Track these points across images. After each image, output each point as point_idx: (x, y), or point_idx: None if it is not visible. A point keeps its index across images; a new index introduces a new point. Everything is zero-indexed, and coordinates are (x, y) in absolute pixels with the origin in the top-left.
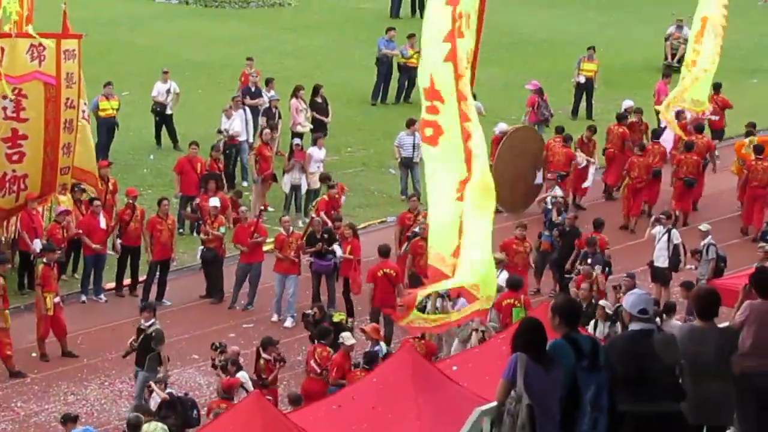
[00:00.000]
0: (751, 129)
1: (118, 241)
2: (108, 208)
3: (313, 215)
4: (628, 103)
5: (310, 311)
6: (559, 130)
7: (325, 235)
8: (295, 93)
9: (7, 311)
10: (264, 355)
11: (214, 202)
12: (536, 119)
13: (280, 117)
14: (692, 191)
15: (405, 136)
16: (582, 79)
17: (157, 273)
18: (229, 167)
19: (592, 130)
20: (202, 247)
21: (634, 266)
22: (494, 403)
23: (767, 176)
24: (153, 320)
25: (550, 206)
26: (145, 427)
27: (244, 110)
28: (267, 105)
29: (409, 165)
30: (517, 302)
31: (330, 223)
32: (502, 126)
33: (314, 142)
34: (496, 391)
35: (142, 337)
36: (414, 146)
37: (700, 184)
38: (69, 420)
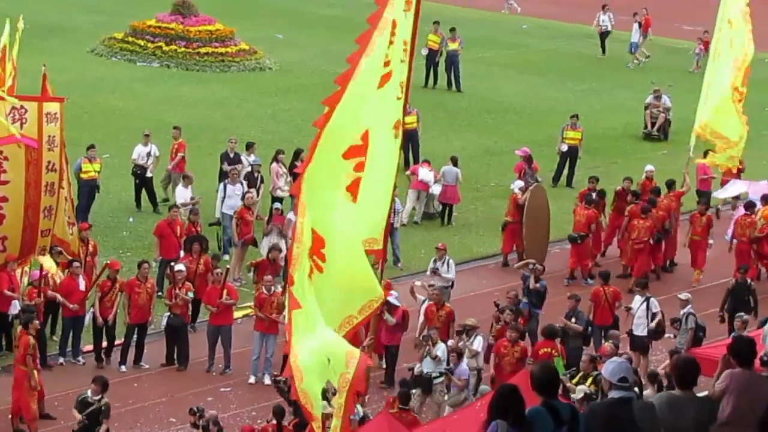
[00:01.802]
0: None
1: (92, 311)
2: (88, 270)
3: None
4: (648, 168)
5: (280, 377)
6: (588, 198)
7: None
8: (276, 157)
9: (35, 371)
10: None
11: (180, 266)
12: None
13: (262, 181)
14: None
15: None
16: (564, 147)
17: (135, 336)
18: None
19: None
20: (168, 313)
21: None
22: None
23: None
24: (101, 395)
25: (528, 273)
26: None
27: (242, 183)
28: (248, 169)
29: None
30: (555, 351)
31: None
32: (519, 183)
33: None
34: None
35: (89, 410)
36: (395, 212)
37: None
38: None
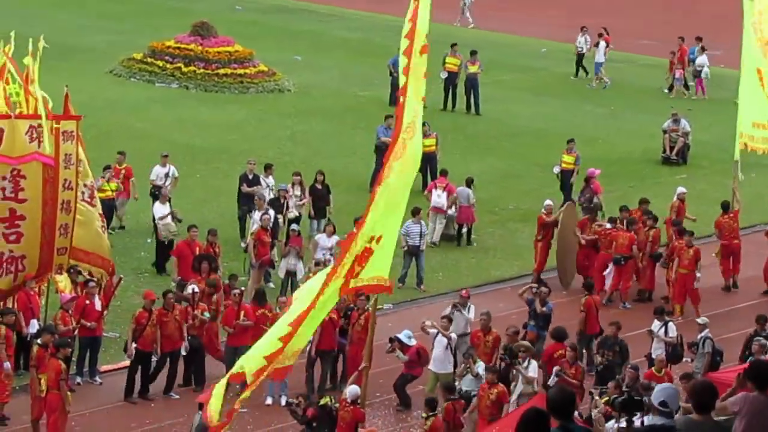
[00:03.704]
0: None
1: (133, 345)
2: (106, 289)
3: None
4: (680, 190)
5: (293, 400)
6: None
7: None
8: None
9: (69, 394)
10: None
11: (191, 288)
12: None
13: (287, 208)
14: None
15: (411, 224)
16: (557, 170)
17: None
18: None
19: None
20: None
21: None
22: None
23: None
24: None
25: (532, 297)
26: None
27: (267, 210)
28: (273, 194)
29: (415, 253)
30: (566, 352)
31: None
32: (548, 203)
33: (324, 230)
34: None
35: None
36: (421, 234)
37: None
38: None
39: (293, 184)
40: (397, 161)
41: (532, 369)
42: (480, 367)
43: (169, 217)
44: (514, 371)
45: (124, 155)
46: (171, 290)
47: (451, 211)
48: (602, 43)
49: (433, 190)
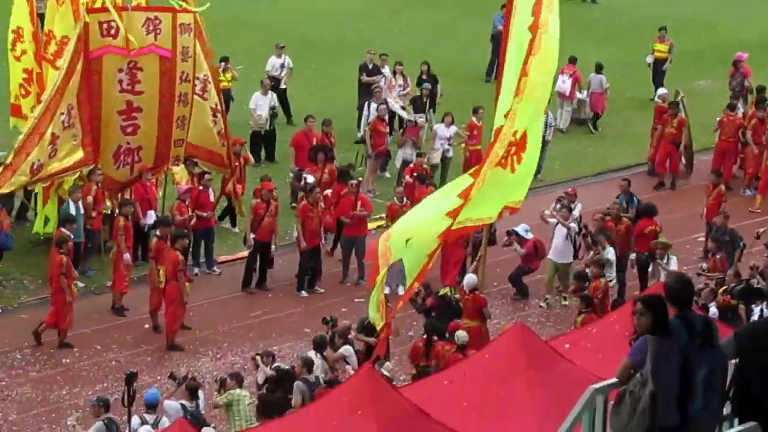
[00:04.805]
0: None
1: (252, 235)
2: (242, 181)
3: None
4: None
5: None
6: (732, 106)
7: None
8: (393, 68)
9: (187, 285)
10: None
11: (310, 177)
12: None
13: (433, 106)
14: None
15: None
16: (650, 59)
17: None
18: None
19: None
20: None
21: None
22: (609, 381)
23: None
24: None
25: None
26: (237, 392)
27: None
28: (415, 93)
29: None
30: (658, 227)
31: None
32: (663, 91)
33: (442, 120)
34: (617, 369)
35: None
36: (546, 125)
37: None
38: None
39: (395, 74)
40: (536, 56)
41: (673, 263)
42: (610, 252)
43: (264, 108)
44: (652, 266)
45: None
46: (315, 187)
47: (581, 95)
48: None
49: (560, 76)
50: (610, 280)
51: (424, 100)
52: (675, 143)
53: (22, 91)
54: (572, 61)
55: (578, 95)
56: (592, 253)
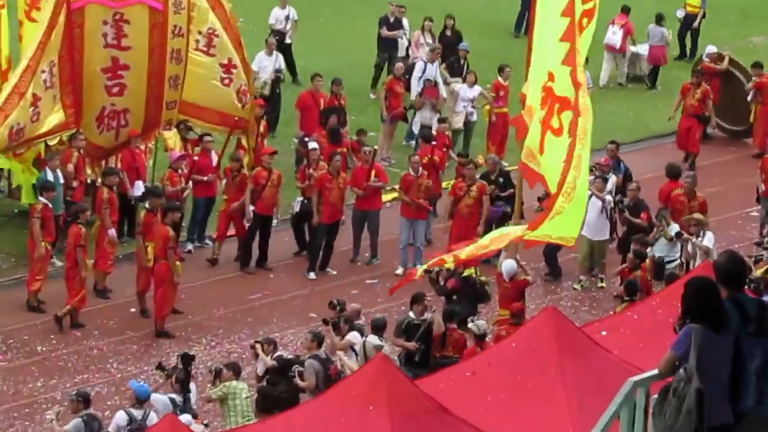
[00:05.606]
0: None
1: (251, 207)
2: (259, 149)
3: (491, 154)
4: None
5: (431, 269)
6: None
7: (500, 179)
8: (422, 25)
9: (178, 264)
10: None
11: (312, 144)
12: None
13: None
14: None
15: None
16: (681, 14)
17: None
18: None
19: None
20: (300, 198)
21: None
22: (650, 374)
23: None
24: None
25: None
26: (234, 384)
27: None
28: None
29: None
30: (683, 189)
31: None
32: (712, 49)
33: (464, 79)
34: (660, 362)
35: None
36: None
37: None
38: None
39: (423, 30)
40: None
41: (708, 239)
42: (674, 229)
43: (267, 71)
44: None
45: None
46: (339, 152)
47: (636, 49)
48: None
49: (609, 26)
50: (674, 260)
51: (462, 62)
52: (697, 117)
53: None
54: (625, 10)
55: (631, 48)
56: (655, 230)
